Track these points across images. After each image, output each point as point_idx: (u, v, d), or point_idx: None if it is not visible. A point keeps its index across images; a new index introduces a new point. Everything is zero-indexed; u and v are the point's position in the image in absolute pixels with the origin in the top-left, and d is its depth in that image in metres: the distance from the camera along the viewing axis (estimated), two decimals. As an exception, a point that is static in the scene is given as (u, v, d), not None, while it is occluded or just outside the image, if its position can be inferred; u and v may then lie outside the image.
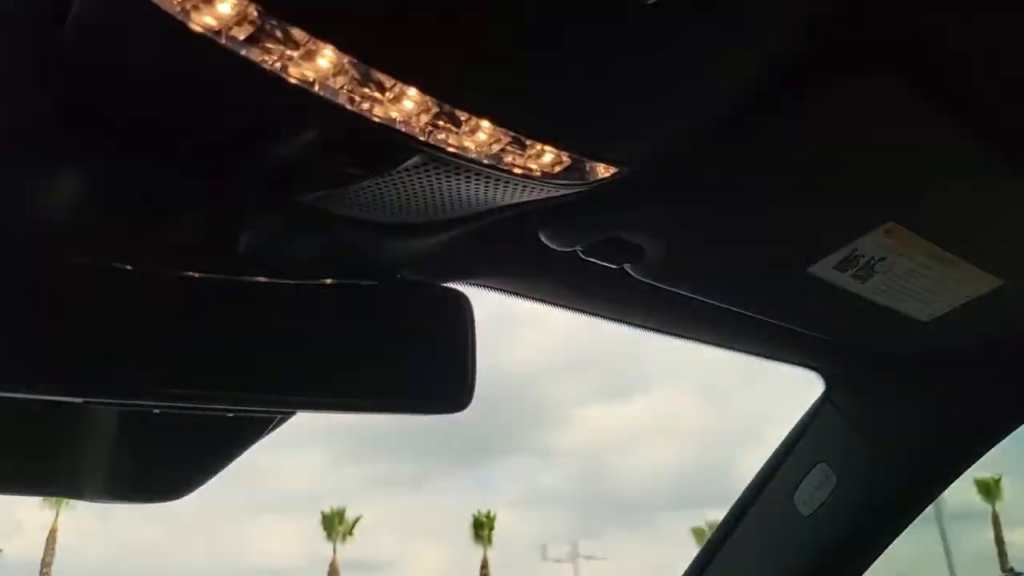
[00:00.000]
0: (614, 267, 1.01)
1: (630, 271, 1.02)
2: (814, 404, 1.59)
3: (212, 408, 0.78)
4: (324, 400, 0.84)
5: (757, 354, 1.44)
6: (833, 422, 1.57)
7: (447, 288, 0.92)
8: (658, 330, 1.28)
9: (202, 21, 0.53)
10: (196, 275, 0.77)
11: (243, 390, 0.78)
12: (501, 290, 1.13)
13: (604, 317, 1.23)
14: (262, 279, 0.82)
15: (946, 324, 1.25)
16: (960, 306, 1.20)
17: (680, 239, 0.97)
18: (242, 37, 0.54)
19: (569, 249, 0.97)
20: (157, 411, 0.77)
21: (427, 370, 0.88)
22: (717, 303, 1.13)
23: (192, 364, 0.77)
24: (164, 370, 0.75)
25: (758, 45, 0.64)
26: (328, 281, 0.87)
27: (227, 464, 0.97)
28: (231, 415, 0.81)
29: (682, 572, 1.64)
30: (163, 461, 0.99)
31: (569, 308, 1.19)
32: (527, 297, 1.17)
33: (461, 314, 0.90)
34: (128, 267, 0.77)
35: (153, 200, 0.83)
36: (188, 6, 0.51)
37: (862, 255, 1.04)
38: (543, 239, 0.96)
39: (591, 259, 0.99)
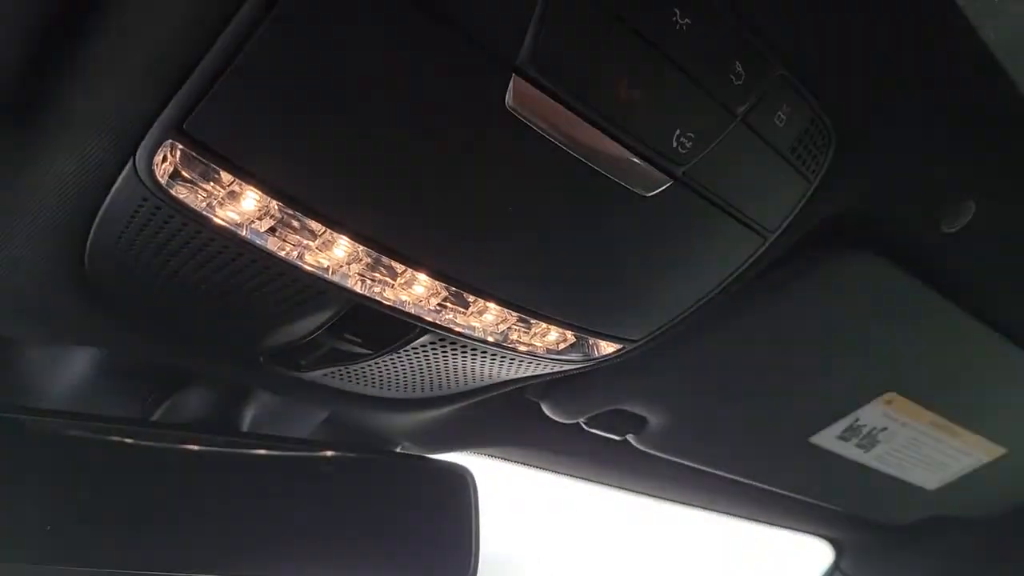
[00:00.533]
0: (617, 439, 1.01)
1: (633, 442, 1.02)
2: (824, 574, 1.55)
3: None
4: (328, 580, 0.82)
5: (763, 522, 1.41)
6: (844, 592, 1.53)
7: (451, 463, 0.91)
8: (663, 498, 1.27)
9: (225, 216, 0.55)
10: (195, 448, 0.77)
11: (244, 569, 0.76)
12: (503, 459, 1.13)
13: (608, 485, 1.22)
14: (262, 452, 0.81)
15: (953, 492, 1.24)
16: (966, 475, 1.20)
17: (682, 410, 0.98)
18: (263, 230, 0.56)
19: (571, 421, 0.97)
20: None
21: (429, 546, 0.87)
22: (721, 473, 1.12)
23: (190, 541, 0.75)
24: (162, 547, 0.74)
25: (757, 230, 0.67)
26: (328, 454, 0.86)
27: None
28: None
29: None
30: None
31: (572, 477, 1.18)
32: (529, 466, 1.16)
33: (464, 489, 0.89)
34: (128, 440, 0.76)
35: (158, 378, 0.84)
36: (214, 203, 0.54)
37: (864, 425, 1.04)
38: (545, 411, 0.96)
39: (593, 430, 0.98)
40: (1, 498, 0.69)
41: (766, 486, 1.18)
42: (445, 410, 0.91)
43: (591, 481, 1.21)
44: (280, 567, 0.80)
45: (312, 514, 0.83)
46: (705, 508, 1.34)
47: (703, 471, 1.12)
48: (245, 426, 0.85)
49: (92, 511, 0.72)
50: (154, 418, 0.86)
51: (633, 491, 1.25)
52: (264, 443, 0.81)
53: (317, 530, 0.83)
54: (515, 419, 1.01)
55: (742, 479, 1.15)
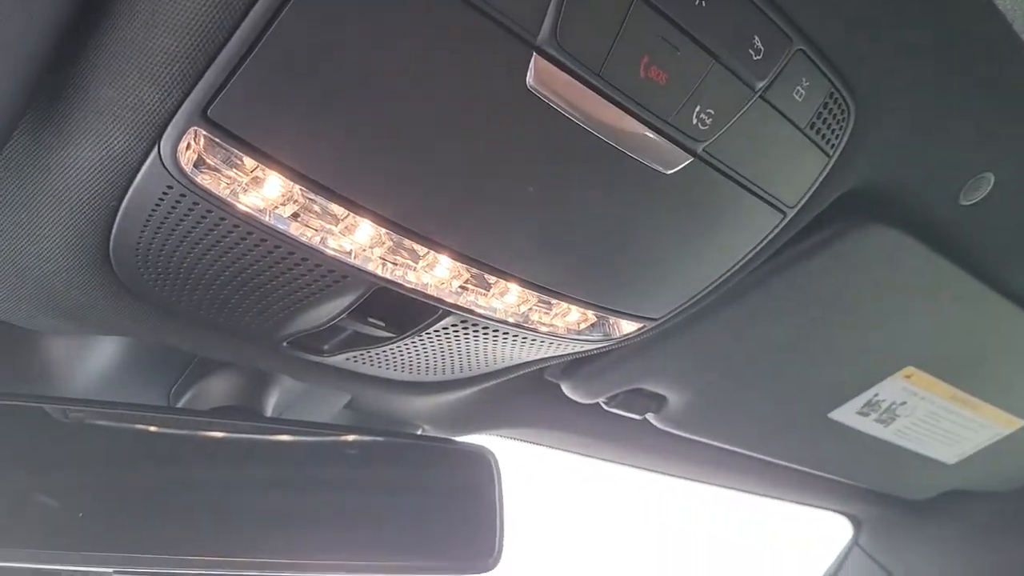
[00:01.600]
0: (638, 418, 1.01)
1: (653, 421, 1.02)
2: (843, 549, 1.55)
3: (240, 573, 0.77)
4: (349, 562, 0.82)
5: (782, 499, 1.42)
6: (863, 567, 1.53)
7: (473, 445, 0.92)
8: (682, 477, 1.27)
9: (249, 202, 0.55)
10: (220, 435, 0.78)
11: (269, 553, 0.77)
12: (524, 441, 1.13)
13: (628, 465, 1.22)
14: (286, 437, 0.82)
15: (972, 466, 1.24)
16: (985, 448, 1.20)
17: (702, 388, 0.98)
18: (286, 215, 0.57)
19: (591, 401, 0.97)
20: (183, 579, 0.76)
21: (453, 528, 0.87)
22: (740, 451, 1.12)
23: (217, 526, 0.76)
24: (190, 535, 0.74)
25: (776, 206, 0.67)
26: (351, 438, 0.87)
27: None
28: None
29: None
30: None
31: (592, 457, 1.18)
32: (549, 447, 1.16)
33: (487, 471, 0.89)
34: (154, 428, 0.77)
35: (183, 366, 0.85)
36: (237, 189, 0.54)
37: (883, 400, 1.04)
38: (565, 391, 0.97)
39: (614, 410, 0.99)
40: (30, 487, 0.70)
41: (786, 463, 1.18)
42: (466, 392, 0.92)
43: (611, 461, 1.21)
44: (304, 551, 0.81)
45: (336, 498, 0.84)
46: (724, 486, 1.34)
47: (722, 449, 1.12)
48: (269, 411, 0.86)
49: (120, 498, 0.73)
50: (179, 405, 0.87)
51: (653, 470, 1.25)
52: (288, 428, 0.82)
53: (341, 514, 0.83)
54: (535, 400, 1.01)
55: (761, 456, 1.15)
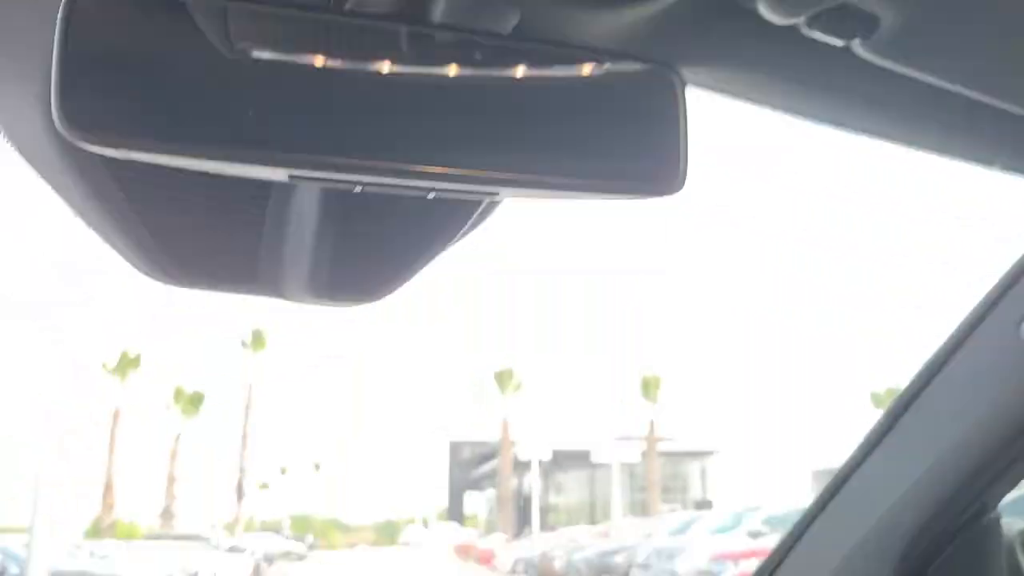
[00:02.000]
0: (840, 45, 0.89)
1: (859, 50, 0.90)
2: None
3: (416, 186, 0.75)
4: (530, 180, 0.79)
5: (986, 164, 1.28)
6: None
7: (657, 66, 0.84)
8: (878, 133, 1.15)
9: None
10: (391, 39, 0.73)
11: (447, 166, 0.74)
12: (705, 87, 1.04)
13: (820, 119, 1.11)
14: (458, 49, 0.77)
15: None
16: None
17: (923, 6, 0.84)
18: None
19: (791, 21, 0.86)
20: (359, 189, 0.75)
21: (638, 151, 0.82)
22: (958, 89, 0.99)
23: (390, 138, 0.74)
24: (362, 143, 0.72)
25: None
26: (528, 59, 0.81)
27: (429, 261, 0.96)
28: (432, 198, 0.77)
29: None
30: (365, 260, 0.99)
31: (779, 105, 1.08)
32: (733, 96, 1.07)
33: (672, 94, 0.82)
34: (320, 28, 0.73)
35: None
36: None
37: None
38: (762, 10, 0.86)
39: (814, 34, 0.87)
40: (198, 84, 0.69)
41: (1007, 106, 1.04)
42: (648, 9, 0.83)
43: (801, 113, 1.10)
44: (482, 172, 0.78)
45: (512, 119, 0.80)
46: (922, 148, 1.21)
47: (936, 90, 0.99)
48: (438, 17, 0.80)
49: (291, 99, 0.72)
50: (339, 25, 0.82)
51: (847, 125, 1.14)
52: (462, 35, 0.77)
53: (519, 136, 0.80)
54: (725, 27, 0.91)
55: (983, 98, 1.01)
